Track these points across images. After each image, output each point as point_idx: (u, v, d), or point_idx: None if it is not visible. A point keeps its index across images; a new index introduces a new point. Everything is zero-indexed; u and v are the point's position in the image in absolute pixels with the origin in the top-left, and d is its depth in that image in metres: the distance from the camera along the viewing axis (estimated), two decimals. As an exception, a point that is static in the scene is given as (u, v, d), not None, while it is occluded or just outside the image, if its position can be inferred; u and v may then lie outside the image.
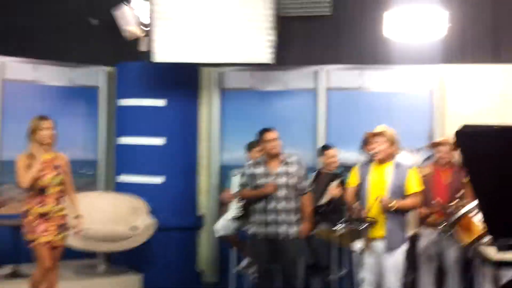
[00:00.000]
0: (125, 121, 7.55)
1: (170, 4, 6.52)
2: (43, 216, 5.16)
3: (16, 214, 6.74)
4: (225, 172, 7.44)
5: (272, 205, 5.53)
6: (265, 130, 5.65)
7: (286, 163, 5.62)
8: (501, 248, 3.14)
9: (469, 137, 2.09)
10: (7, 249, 6.55)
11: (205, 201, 7.70)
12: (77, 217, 5.43)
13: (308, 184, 5.74)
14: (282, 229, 5.52)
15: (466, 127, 2.17)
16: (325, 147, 6.73)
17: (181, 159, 7.50)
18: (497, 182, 2.09)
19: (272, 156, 5.61)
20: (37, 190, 5.16)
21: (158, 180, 7.36)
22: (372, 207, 5.11)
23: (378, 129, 5.33)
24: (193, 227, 7.64)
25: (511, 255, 3.51)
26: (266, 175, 5.59)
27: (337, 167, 6.61)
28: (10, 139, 7.07)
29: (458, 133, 2.18)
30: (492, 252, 4.60)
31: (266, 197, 5.54)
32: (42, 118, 5.25)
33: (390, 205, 5.08)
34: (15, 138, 6.93)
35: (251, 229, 5.68)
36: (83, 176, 7.60)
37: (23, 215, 5.20)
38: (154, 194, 7.28)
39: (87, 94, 7.72)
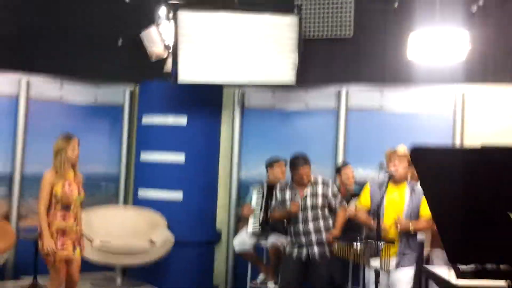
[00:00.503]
0: (146, 138, 7.71)
1: (195, 26, 6.66)
2: (62, 231, 5.27)
3: (37, 227, 6.94)
4: (244, 188, 7.52)
5: (301, 227, 5.66)
6: (299, 162, 5.71)
7: (313, 185, 5.70)
8: (458, 276, 3.02)
9: (423, 157, 2.06)
10: (27, 261, 6.68)
11: (223, 217, 7.77)
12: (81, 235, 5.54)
13: (339, 201, 5.76)
14: (315, 249, 5.64)
15: (418, 147, 2.13)
16: (341, 166, 6.76)
17: (200, 175, 7.62)
18: (453, 205, 2.05)
19: (302, 184, 5.70)
20: (62, 206, 5.27)
21: (177, 195, 7.45)
22: (390, 227, 5.10)
23: (401, 149, 5.33)
24: (211, 242, 7.71)
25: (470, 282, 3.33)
26: (295, 198, 5.72)
27: (353, 184, 6.63)
28: (34, 156, 7.26)
29: (412, 152, 2.15)
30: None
31: (296, 219, 5.66)
32: (68, 137, 5.38)
33: (408, 227, 5.06)
34: (39, 154, 7.16)
35: (287, 250, 5.81)
36: (105, 190, 7.75)
37: (40, 229, 5.28)
38: (172, 209, 7.39)
39: (111, 112, 7.90)
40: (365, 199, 5.41)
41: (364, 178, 7.08)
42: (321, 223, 5.70)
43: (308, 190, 5.69)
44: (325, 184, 5.75)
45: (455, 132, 7.00)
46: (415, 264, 5.24)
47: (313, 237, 5.66)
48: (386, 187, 5.22)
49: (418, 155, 2.03)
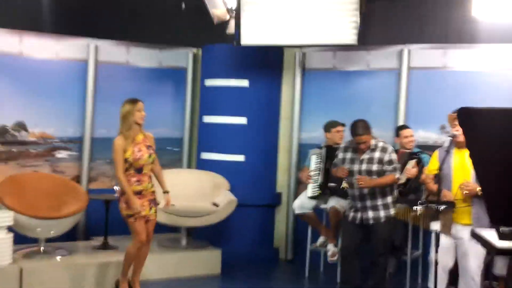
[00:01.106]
0: (209, 101, 7.86)
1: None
2: (139, 193, 5.49)
3: (107, 189, 7.28)
4: (304, 151, 7.58)
5: (357, 191, 5.75)
6: (358, 129, 5.72)
7: (372, 150, 5.75)
8: (501, 237, 3.03)
9: (470, 118, 2.05)
10: (98, 222, 7.03)
11: (283, 180, 7.87)
12: (165, 192, 5.75)
13: (392, 168, 5.76)
14: (370, 214, 5.72)
15: (465, 109, 2.12)
16: (401, 128, 6.71)
17: (262, 138, 7.74)
18: (499, 167, 2.04)
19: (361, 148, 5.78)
20: (135, 169, 5.48)
21: (239, 158, 7.61)
22: (457, 193, 5.06)
23: None
24: (271, 205, 7.85)
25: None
26: (353, 160, 5.79)
27: (413, 147, 6.59)
28: (102, 119, 7.55)
29: (459, 114, 2.13)
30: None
31: (351, 184, 5.77)
32: (134, 100, 5.54)
33: (477, 189, 5.01)
34: (107, 117, 7.45)
35: (346, 212, 5.95)
36: (170, 153, 7.98)
37: (120, 192, 5.52)
38: (234, 171, 7.57)
39: (174, 75, 8.07)
40: (433, 166, 5.37)
41: (425, 140, 7.05)
42: (376, 189, 5.72)
43: (366, 155, 5.75)
44: (383, 150, 5.75)
45: (521, 91, 6.79)
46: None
47: (368, 202, 5.72)
48: (451, 152, 5.16)
49: (465, 116, 2.03)
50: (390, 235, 5.91)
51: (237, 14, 6.77)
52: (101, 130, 7.57)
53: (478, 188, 4.95)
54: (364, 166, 5.72)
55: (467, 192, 5.00)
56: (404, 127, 6.77)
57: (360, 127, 5.72)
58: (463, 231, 5.09)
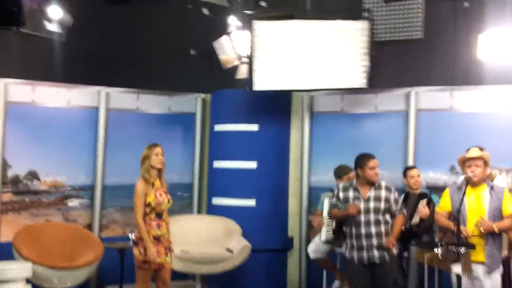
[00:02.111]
0: (218, 146, 7.91)
1: (269, 35, 6.81)
2: (157, 239, 5.47)
3: (119, 236, 7.24)
4: (314, 194, 7.61)
5: (363, 230, 5.64)
6: (367, 157, 5.73)
7: (377, 188, 5.71)
8: None
9: None
10: (110, 271, 6.91)
11: (295, 223, 7.87)
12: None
13: (399, 207, 5.79)
14: (376, 253, 5.61)
15: None
16: (408, 168, 6.77)
17: (272, 182, 7.77)
18: None
19: (369, 183, 5.71)
20: (156, 214, 5.48)
21: (250, 202, 7.63)
22: (474, 231, 5.13)
23: (475, 152, 5.34)
24: (283, 249, 7.84)
25: None
26: (358, 198, 5.70)
27: (419, 187, 6.63)
28: (113, 166, 7.58)
29: None
30: None
31: (358, 222, 5.65)
32: (152, 145, 5.61)
33: (492, 226, 5.08)
34: (117, 164, 7.48)
35: (347, 254, 5.79)
36: (180, 199, 7.97)
37: (138, 237, 5.48)
38: (245, 216, 7.57)
39: (184, 121, 8.14)
40: (444, 203, 5.44)
41: (435, 181, 7.12)
42: (383, 227, 5.66)
43: (371, 193, 5.67)
44: (388, 189, 5.75)
45: (527, 132, 6.91)
46: (501, 267, 5.25)
47: (374, 241, 5.61)
48: (465, 191, 5.25)
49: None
50: (393, 275, 5.82)
51: (250, 60, 6.87)
52: (112, 177, 7.59)
53: (494, 225, 5.04)
54: (372, 204, 5.66)
55: (484, 228, 5.07)
56: (411, 167, 6.82)
57: (369, 155, 5.75)
58: (477, 268, 5.15)
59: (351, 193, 5.75)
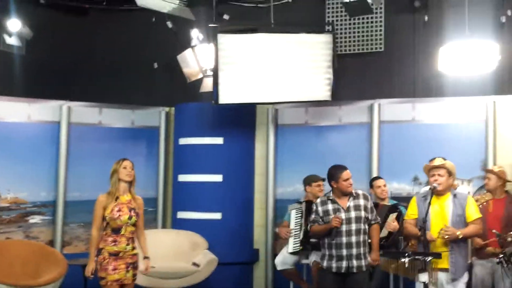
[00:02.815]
0: (183, 159, 7.85)
1: (234, 48, 6.82)
2: (116, 254, 5.36)
3: (82, 253, 7.10)
4: (279, 206, 7.62)
5: (344, 239, 5.62)
6: (340, 169, 5.73)
7: (355, 197, 5.72)
8: None
9: None
10: (76, 287, 6.77)
11: (260, 236, 7.86)
12: (145, 258, 5.63)
13: (374, 216, 5.83)
14: (354, 262, 5.59)
15: None
16: (373, 179, 6.86)
17: (238, 195, 7.74)
18: None
19: (345, 194, 5.75)
20: (112, 230, 5.38)
21: (215, 216, 7.58)
22: (437, 239, 5.19)
23: (438, 161, 5.43)
24: (249, 262, 7.81)
25: None
26: (338, 210, 5.68)
27: (387, 196, 6.72)
28: (75, 181, 7.44)
29: None
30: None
31: (339, 232, 5.62)
32: (121, 159, 5.52)
33: (457, 233, 5.15)
34: (80, 179, 7.35)
35: (324, 264, 5.76)
36: (144, 213, 7.82)
37: (97, 252, 5.38)
38: (211, 229, 7.52)
39: (147, 135, 8.05)
40: (412, 211, 5.50)
41: (399, 191, 7.22)
42: (362, 237, 5.69)
43: (351, 203, 5.67)
44: (365, 197, 5.79)
45: (488, 142, 7.05)
46: (467, 274, 5.32)
47: (354, 250, 5.60)
48: (430, 200, 5.32)
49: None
50: (368, 285, 5.87)
51: (214, 74, 6.86)
52: (74, 193, 7.46)
53: (458, 232, 5.12)
54: (353, 214, 5.69)
55: (448, 236, 5.14)
56: (376, 178, 6.91)
57: (342, 166, 5.73)
58: (441, 276, 5.22)
59: (330, 206, 5.72)
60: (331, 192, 5.78)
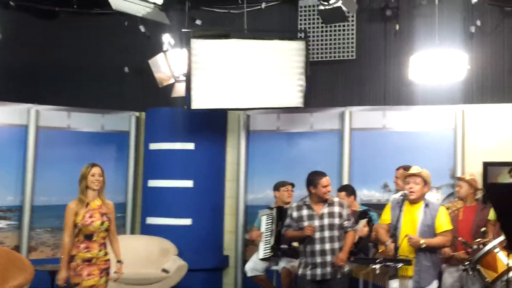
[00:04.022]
0: (154, 165, 7.79)
1: (206, 54, 6.79)
2: (88, 261, 5.28)
3: (48, 258, 6.99)
4: (250, 212, 7.62)
5: (317, 247, 5.63)
6: (319, 175, 5.74)
7: (330, 204, 5.73)
8: None
9: (498, 192, 2.19)
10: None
11: (230, 242, 7.85)
12: (118, 262, 5.56)
13: (351, 224, 5.84)
14: (328, 270, 5.60)
15: (494, 184, 2.27)
16: (341, 189, 6.79)
17: (208, 200, 7.71)
18: None
19: (322, 200, 5.76)
20: (84, 236, 5.30)
21: (185, 222, 7.53)
22: (403, 246, 5.23)
23: (415, 170, 5.47)
24: (219, 268, 7.78)
25: None
26: (312, 216, 5.69)
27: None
28: (43, 185, 7.33)
29: (489, 188, 2.28)
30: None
31: (312, 239, 5.63)
32: (90, 165, 5.41)
33: (420, 242, 5.20)
34: (47, 184, 7.23)
35: (300, 271, 5.76)
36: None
37: (69, 259, 5.29)
38: (181, 235, 7.46)
39: (117, 139, 7.98)
40: (386, 216, 5.52)
41: (369, 198, 7.27)
42: (337, 244, 5.71)
43: (325, 210, 5.68)
44: (341, 205, 5.81)
45: (456, 150, 7.16)
46: (436, 282, 5.36)
47: (328, 257, 5.61)
48: (402, 207, 5.36)
49: (493, 190, 2.17)
50: None
51: (187, 79, 6.82)
52: (41, 197, 7.34)
53: (422, 241, 5.17)
54: (326, 221, 5.69)
55: (411, 244, 5.19)
56: (343, 188, 6.88)
57: (320, 172, 5.74)
58: (407, 284, 5.24)
59: (305, 211, 5.72)
60: (308, 197, 5.80)
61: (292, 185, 6.92)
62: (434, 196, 6.53)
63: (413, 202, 5.39)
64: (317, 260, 5.61)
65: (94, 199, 5.37)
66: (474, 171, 6.87)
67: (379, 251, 5.81)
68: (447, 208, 5.74)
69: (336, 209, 5.70)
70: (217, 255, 7.75)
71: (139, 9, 6.10)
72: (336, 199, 5.79)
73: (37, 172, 7.31)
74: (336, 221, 5.66)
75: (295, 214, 5.76)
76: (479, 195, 6.20)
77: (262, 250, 6.77)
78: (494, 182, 2.10)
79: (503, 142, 7.08)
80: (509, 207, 2.13)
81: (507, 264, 4.94)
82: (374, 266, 5.24)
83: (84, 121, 7.74)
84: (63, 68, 7.76)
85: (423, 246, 5.20)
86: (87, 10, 8.03)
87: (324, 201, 5.70)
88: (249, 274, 6.92)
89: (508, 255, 4.97)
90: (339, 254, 5.63)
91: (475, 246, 5.45)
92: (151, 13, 6.17)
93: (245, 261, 7.29)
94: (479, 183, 6.32)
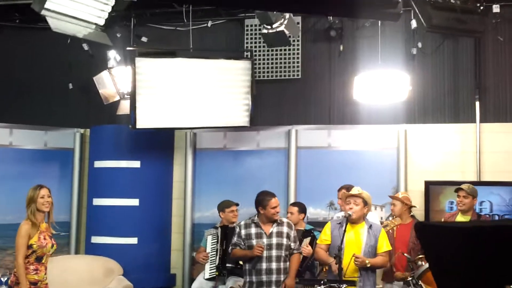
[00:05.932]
0: (98, 183, 7.67)
1: (152, 72, 6.72)
2: (34, 284, 5.19)
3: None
4: (197, 230, 7.58)
5: (264, 265, 5.66)
6: (268, 196, 5.76)
7: (279, 224, 5.77)
8: None
9: (426, 232, 2.22)
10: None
11: (177, 260, 7.79)
12: None
13: (297, 246, 5.87)
14: None
15: (423, 224, 2.29)
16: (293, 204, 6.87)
17: (154, 219, 7.64)
18: (454, 278, 2.20)
19: (271, 220, 5.76)
20: (36, 258, 5.20)
21: (131, 240, 7.44)
22: (349, 266, 5.30)
23: (355, 190, 5.56)
24: (166, 287, 7.70)
25: None
26: (260, 234, 5.72)
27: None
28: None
29: (417, 227, 2.31)
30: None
31: (259, 258, 5.64)
32: (37, 187, 5.31)
33: (366, 262, 5.29)
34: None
35: None
36: (56, 238, 7.57)
37: (14, 281, 5.17)
38: (127, 254, 7.37)
39: (61, 156, 7.84)
40: (325, 236, 5.57)
41: (315, 216, 7.34)
42: (282, 265, 5.74)
43: (274, 229, 5.73)
44: (289, 225, 5.85)
45: (399, 169, 7.32)
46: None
47: (274, 277, 5.66)
48: (345, 228, 5.44)
49: (422, 230, 2.20)
50: None
51: (132, 98, 6.75)
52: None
53: (367, 261, 5.28)
54: (274, 240, 5.72)
55: (358, 263, 5.28)
56: (296, 204, 6.94)
57: (270, 193, 5.79)
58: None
59: (253, 230, 5.75)
60: (256, 216, 5.82)
61: (237, 204, 6.92)
62: (375, 216, 6.64)
63: (354, 222, 5.47)
64: (263, 279, 5.64)
65: (42, 222, 5.29)
66: (417, 189, 7.05)
67: (324, 270, 5.88)
68: (384, 226, 5.87)
69: (285, 229, 5.75)
70: (163, 274, 7.68)
71: (80, 30, 5.99)
72: (285, 220, 5.85)
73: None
74: (284, 241, 5.71)
75: (243, 232, 5.78)
76: (413, 212, 6.38)
77: (208, 270, 6.72)
78: (423, 222, 2.12)
79: (444, 162, 7.30)
80: (440, 249, 2.15)
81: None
82: (318, 287, 5.30)
83: (26, 138, 7.58)
84: (4, 83, 7.59)
85: (368, 265, 5.31)
86: (30, 24, 7.88)
87: (273, 221, 5.75)
88: (194, 293, 6.87)
89: None
90: (287, 281, 5.68)
91: (419, 262, 5.59)
92: (93, 34, 6.07)
93: (192, 279, 7.25)
94: (420, 201, 6.47)
